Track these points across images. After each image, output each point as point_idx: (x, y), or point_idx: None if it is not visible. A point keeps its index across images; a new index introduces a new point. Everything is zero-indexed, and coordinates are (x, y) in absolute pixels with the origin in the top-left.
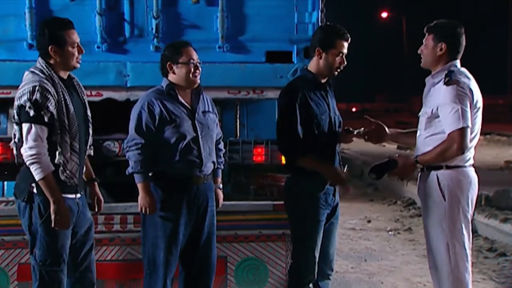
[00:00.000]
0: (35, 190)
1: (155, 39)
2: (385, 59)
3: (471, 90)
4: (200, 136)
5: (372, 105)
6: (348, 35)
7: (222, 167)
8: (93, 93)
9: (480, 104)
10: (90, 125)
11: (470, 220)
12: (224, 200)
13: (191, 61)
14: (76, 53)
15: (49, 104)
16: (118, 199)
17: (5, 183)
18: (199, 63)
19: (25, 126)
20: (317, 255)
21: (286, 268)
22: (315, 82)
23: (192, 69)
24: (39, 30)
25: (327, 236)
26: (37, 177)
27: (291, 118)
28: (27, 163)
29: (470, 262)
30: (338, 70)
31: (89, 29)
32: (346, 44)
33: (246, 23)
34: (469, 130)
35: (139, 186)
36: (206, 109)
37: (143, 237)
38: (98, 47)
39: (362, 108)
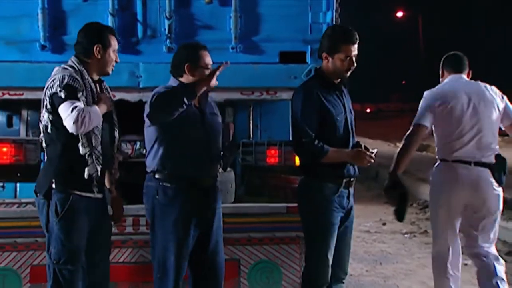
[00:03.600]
0: (54, 186)
1: (168, 40)
2: (400, 58)
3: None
4: (209, 138)
5: (387, 105)
6: (355, 38)
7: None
8: None
9: (454, 103)
10: (116, 129)
11: (454, 217)
12: (237, 202)
13: (209, 66)
14: (114, 60)
15: (80, 87)
16: (131, 201)
17: (18, 184)
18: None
19: (61, 108)
20: (330, 258)
21: (300, 271)
22: (328, 82)
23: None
24: (83, 30)
25: (341, 239)
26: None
27: (306, 119)
28: (76, 122)
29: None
30: (348, 72)
31: None
32: (353, 47)
33: (260, 23)
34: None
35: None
36: (214, 111)
37: (152, 240)
38: None
39: (376, 109)
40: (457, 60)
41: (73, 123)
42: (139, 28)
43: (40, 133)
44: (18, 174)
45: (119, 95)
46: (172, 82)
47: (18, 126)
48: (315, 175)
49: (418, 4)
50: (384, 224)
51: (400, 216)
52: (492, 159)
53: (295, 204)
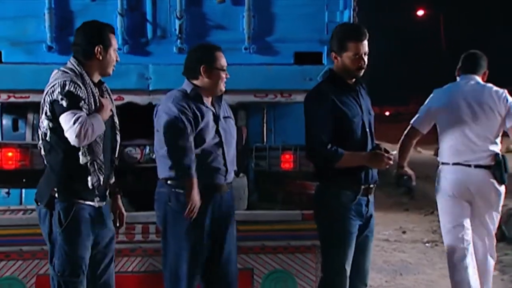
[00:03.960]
0: (56, 194)
1: (179, 40)
2: (421, 59)
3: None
4: (224, 142)
5: (406, 108)
6: (363, 35)
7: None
8: (114, 97)
9: (454, 107)
10: (118, 133)
11: (461, 216)
12: (250, 208)
13: (224, 68)
14: (115, 60)
15: (82, 96)
16: (140, 208)
17: (23, 190)
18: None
19: (62, 118)
20: (348, 268)
21: (316, 282)
22: (342, 83)
23: (224, 77)
24: (81, 30)
25: (361, 249)
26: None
27: (318, 123)
28: (79, 136)
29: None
30: (360, 71)
31: None
32: (361, 45)
33: (274, 23)
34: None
35: (189, 182)
36: (226, 114)
37: (164, 248)
38: (119, 49)
39: (396, 112)
40: (472, 60)
41: (76, 136)
42: (149, 28)
43: (39, 140)
44: (24, 180)
45: (127, 98)
46: (186, 85)
47: (24, 130)
48: (331, 181)
49: (439, 3)
50: (404, 232)
51: (412, 195)
52: (491, 161)
53: (311, 211)
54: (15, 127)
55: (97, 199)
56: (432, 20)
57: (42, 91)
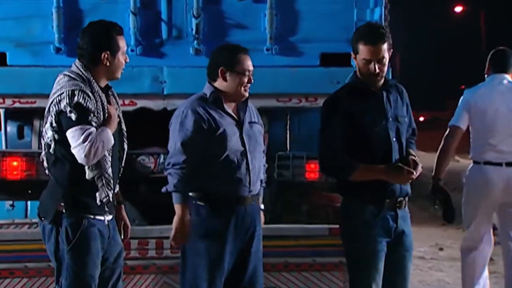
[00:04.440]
0: (63, 210)
1: (195, 41)
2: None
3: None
4: (248, 151)
5: (443, 113)
6: (378, 38)
7: (265, 185)
8: (126, 102)
9: (486, 107)
10: (125, 140)
11: (487, 215)
12: (273, 222)
13: (247, 72)
14: (123, 63)
15: (91, 107)
16: (154, 221)
17: (29, 203)
18: (252, 74)
19: (70, 133)
20: None
21: None
22: (363, 88)
23: (245, 81)
24: (86, 33)
25: (396, 269)
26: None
27: (330, 132)
28: (88, 156)
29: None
30: (373, 77)
31: None
32: (374, 49)
33: (298, 22)
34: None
35: (177, 207)
36: (253, 119)
37: (182, 265)
38: (132, 50)
39: (432, 117)
40: (502, 58)
41: (85, 156)
42: (164, 28)
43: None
44: (30, 191)
45: (140, 103)
46: (206, 88)
47: (29, 137)
48: (353, 195)
49: None
50: (441, 249)
51: (450, 218)
52: None
53: (338, 226)
54: (20, 135)
55: (106, 213)
56: (472, 18)
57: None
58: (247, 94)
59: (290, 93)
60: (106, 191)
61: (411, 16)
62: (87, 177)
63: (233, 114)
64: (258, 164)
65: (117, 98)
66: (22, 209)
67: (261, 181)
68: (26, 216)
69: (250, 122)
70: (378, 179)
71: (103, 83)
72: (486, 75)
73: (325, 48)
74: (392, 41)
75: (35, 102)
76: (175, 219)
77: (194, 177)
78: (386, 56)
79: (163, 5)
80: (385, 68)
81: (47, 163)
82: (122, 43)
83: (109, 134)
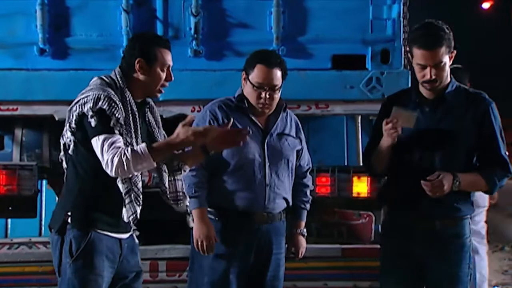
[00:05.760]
0: (69, 220)
1: (194, 42)
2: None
3: None
4: (267, 163)
5: None
6: (433, 42)
7: (308, 207)
8: None
9: None
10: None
11: None
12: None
13: (265, 87)
14: (163, 79)
15: (118, 115)
16: (148, 241)
17: (9, 220)
18: (278, 89)
19: (95, 142)
20: None
21: None
22: (415, 94)
23: (263, 97)
24: (131, 39)
25: None
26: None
27: (373, 135)
28: (118, 170)
29: None
30: (426, 84)
31: (113, 30)
32: (427, 54)
33: (308, 21)
34: None
35: (194, 213)
36: (286, 131)
37: (188, 282)
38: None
39: None
40: None
41: (111, 165)
42: (159, 27)
43: (60, 152)
44: (10, 208)
45: None
46: (238, 91)
47: (10, 148)
48: (384, 205)
49: None
50: None
51: None
52: None
53: (352, 246)
54: (0, 145)
55: (121, 228)
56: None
57: (33, 102)
58: (266, 110)
59: (298, 99)
60: (134, 208)
61: (433, 14)
62: (121, 189)
63: (257, 122)
64: (279, 179)
65: (156, 116)
66: (2, 228)
67: (288, 199)
68: (6, 236)
69: (280, 134)
70: (402, 193)
71: (139, 96)
72: None
73: (337, 49)
74: (453, 42)
75: (16, 109)
76: (194, 226)
77: (207, 183)
78: (445, 60)
79: (158, 2)
80: (444, 74)
81: (66, 164)
82: (165, 57)
83: (148, 162)
